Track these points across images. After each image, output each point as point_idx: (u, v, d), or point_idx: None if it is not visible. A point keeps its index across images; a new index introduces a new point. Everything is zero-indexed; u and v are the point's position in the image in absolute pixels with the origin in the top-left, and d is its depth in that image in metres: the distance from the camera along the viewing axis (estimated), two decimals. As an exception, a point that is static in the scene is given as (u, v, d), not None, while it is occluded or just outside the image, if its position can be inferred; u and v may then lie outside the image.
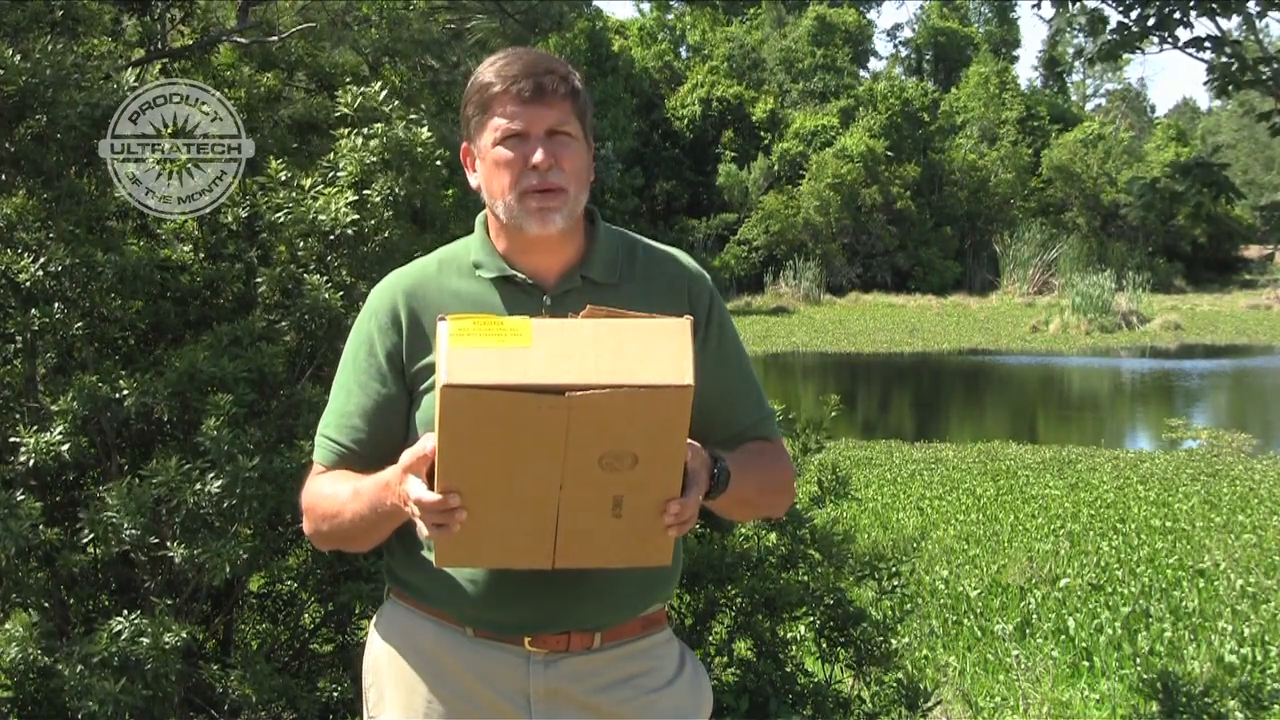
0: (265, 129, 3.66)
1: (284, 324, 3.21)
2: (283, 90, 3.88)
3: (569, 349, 1.59)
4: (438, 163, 3.30)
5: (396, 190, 3.19)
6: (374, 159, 3.21)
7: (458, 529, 1.64)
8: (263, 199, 3.22)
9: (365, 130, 3.26)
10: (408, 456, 1.67)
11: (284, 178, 3.24)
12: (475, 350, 1.58)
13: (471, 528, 1.64)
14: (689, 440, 1.66)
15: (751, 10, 48.46)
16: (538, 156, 1.81)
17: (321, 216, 3.13)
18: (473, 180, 1.93)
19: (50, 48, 3.15)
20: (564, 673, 1.88)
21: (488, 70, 1.86)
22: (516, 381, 1.56)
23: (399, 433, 1.88)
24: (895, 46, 53.34)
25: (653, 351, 1.60)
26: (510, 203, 1.83)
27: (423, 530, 1.66)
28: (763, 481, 1.93)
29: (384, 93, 3.39)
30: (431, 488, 1.63)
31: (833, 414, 4.05)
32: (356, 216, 3.13)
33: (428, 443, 1.64)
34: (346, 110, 3.34)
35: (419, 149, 3.24)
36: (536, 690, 1.88)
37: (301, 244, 3.17)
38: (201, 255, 3.33)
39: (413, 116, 3.32)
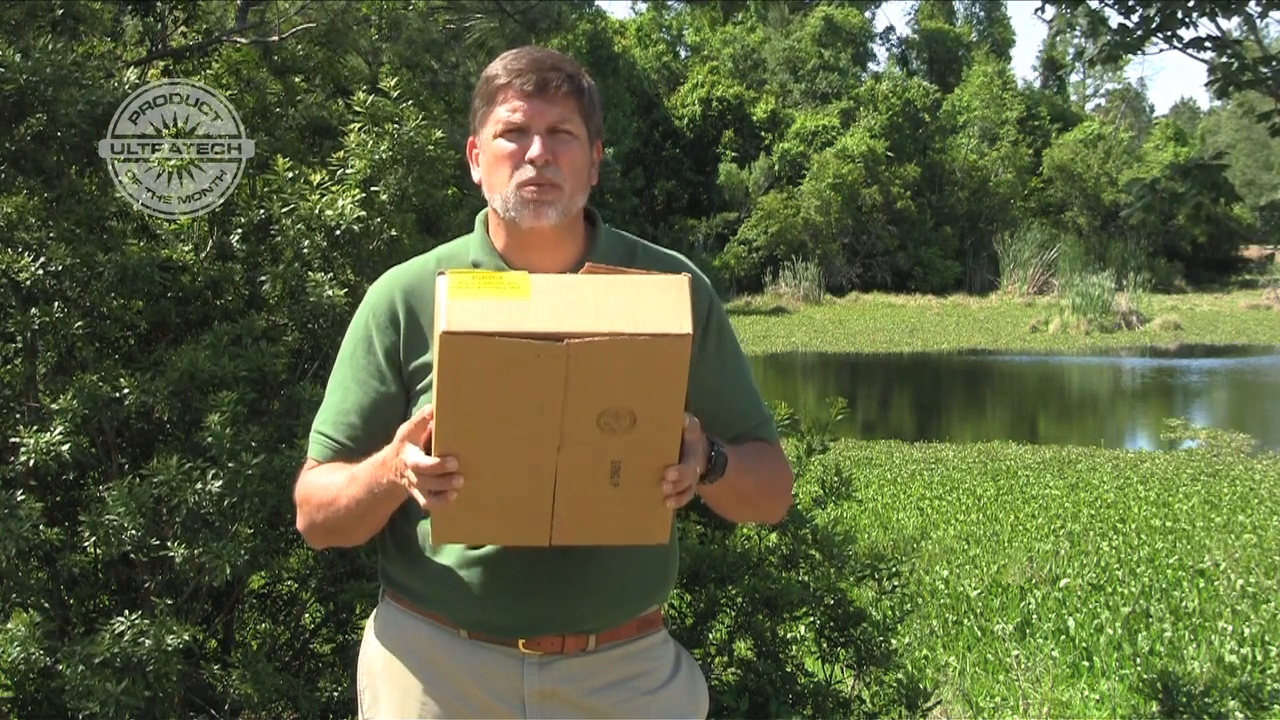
0: (278, 131, 3.66)
1: (288, 323, 3.20)
2: (297, 95, 3.88)
3: (568, 301, 1.60)
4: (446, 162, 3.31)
5: (406, 188, 3.20)
6: (385, 156, 3.21)
7: (454, 497, 1.63)
8: (277, 201, 3.22)
9: (378, 129, 3.26)
10: (406, 425, 1.67)
11: (290, 175, 3.24)
12: (474, 301, 1.58)
13: (468, 498, 1.64)
14: (687, 414, 1.65)
15: (742, 13, 48.47)
16: (535, 150, 1.81)
17: (329, 212, 3.13)
18: (475, 175, 1.93)
19: (50, 46, 3.15)
20: (559, 674, 1.88)
21: (497, 64, 1.87)
22: (515, 329, 1.56)
23: (395, 431, 1.88)
24: (889, 48, 53.41)
25: (651, 304, 1.60)
26: (506, 195, 1.83)
27: (420, 499, 1.65)
28: (761, 479, 1.92)
29: (397, 93, 3.38)
30: (429, 455, 1.63)
31: (838, 417, 4.05)
32: (363, 213, 3.13)
33: (426, 409, 1.64)
34: (360, 109, 3.35)
35: (430, 148, 3.24)
36: (531, 692, 1.88)
37: (306, 242, 3.17)
38: (203, 256, 3.33)
39: (424, 121, 3.32)
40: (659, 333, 1.58)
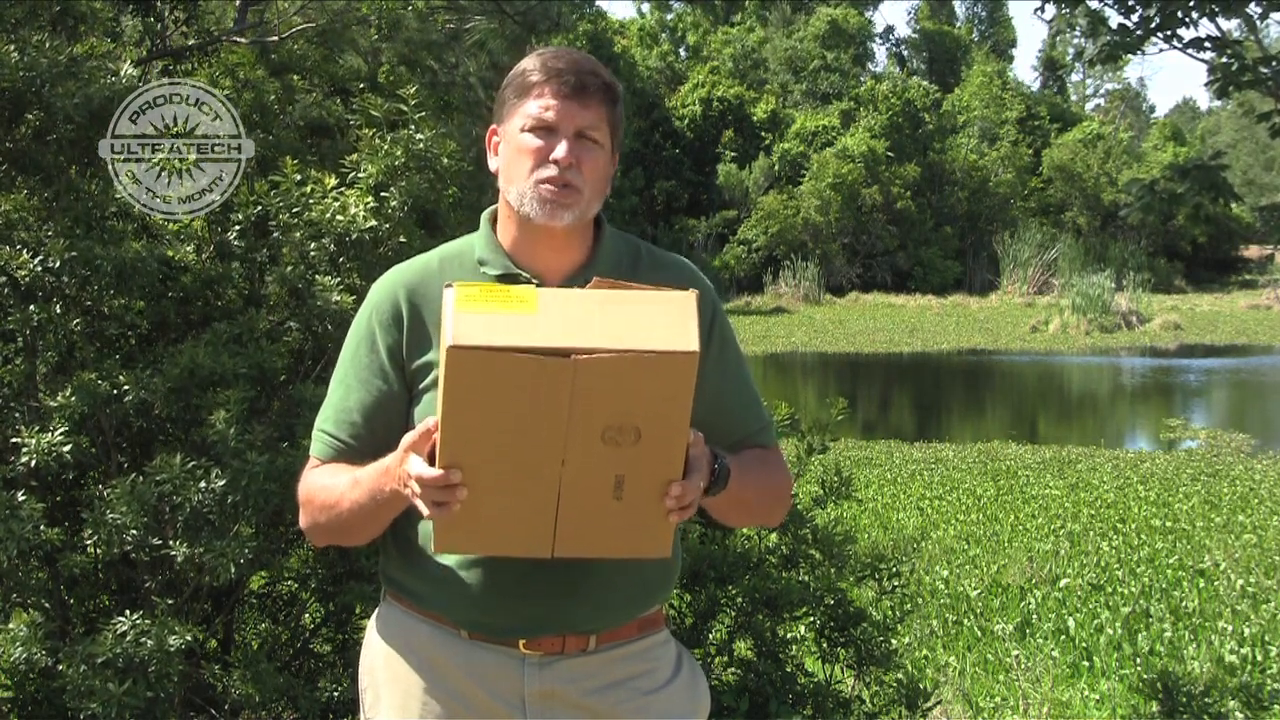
0: (277, 130, 3.65)
1: (291, 324, 3.20)
2: (296, 95, 3.88)
3: (575, 316, 1.59)
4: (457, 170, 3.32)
5: (417, 195, 3.19)
6: (399, 162, 3.21)
7: (457, 508, 1.63)
8: (275, 199, 3.21)
9: (393, 134, 3.26)
10: (410, 436, 1.67)
11: (298, 178, 3.24)
12: (481, 315, 1.57)
13: (471, 509, 1.64)
14: (691, 429, 1.65)
15: (740, 13, 48.50)
16: (560, 152, 1.81)
17: (339, 217, 3.13)
18: (492, 163, 1.92)
19: (47, 43, 3.15)
20: (559, 674, 1.88)
21: (535, 59, 1.87)
22: (522, 344, 1.55)
23: (398, 430, 1.87)
24: (889, 49, 53.44)
25: (659, 320, 1.59)
26: (524, 189, 1.83)
27: (422, 509, 1.65)
28: (761, 487, 1.93)
29: (415, 101, 3.38)
30: (433, 465, 1.63)
31: (839, 417, 4.05)
32: (375, 222, 3.13)
33: (430, 421, 1.64)
34: (376, 113, 3.34)
35: (445, 158, 3.24)
36: (531, 692, 1.88)
37: (314, 245, 3.17)
38: (204, 256, 3.33)
39: (441, 131, 3.33)
40: (666, 350, 1.57)
